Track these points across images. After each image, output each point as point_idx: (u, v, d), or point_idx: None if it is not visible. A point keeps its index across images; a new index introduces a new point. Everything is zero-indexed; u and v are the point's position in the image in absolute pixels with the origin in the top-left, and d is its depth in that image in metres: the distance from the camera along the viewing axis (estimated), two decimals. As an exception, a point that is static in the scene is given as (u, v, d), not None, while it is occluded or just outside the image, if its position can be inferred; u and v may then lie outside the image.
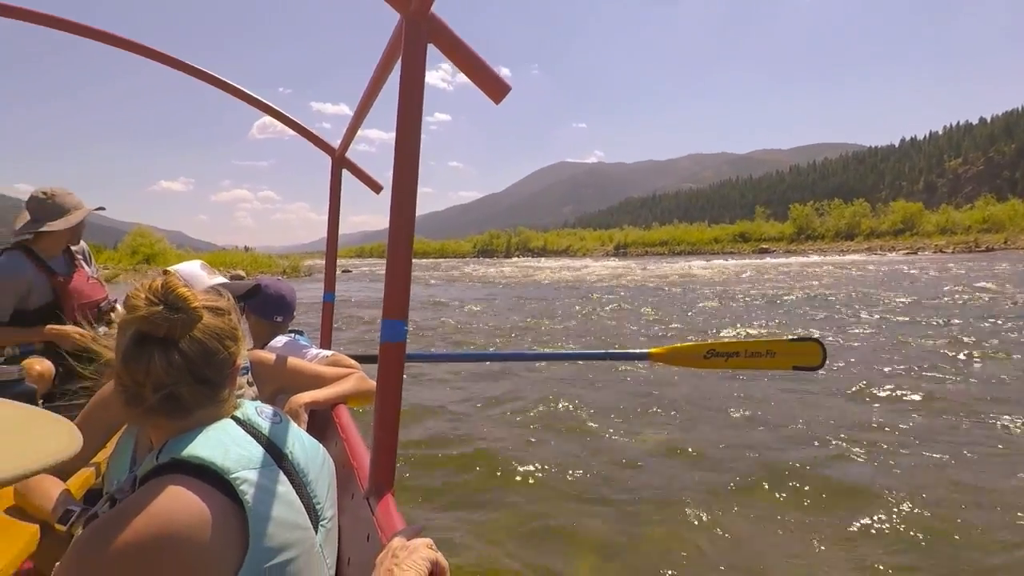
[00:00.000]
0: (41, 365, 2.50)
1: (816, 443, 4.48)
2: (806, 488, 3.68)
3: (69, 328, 2.69)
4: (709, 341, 2.84)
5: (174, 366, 0.90)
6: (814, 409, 5.35)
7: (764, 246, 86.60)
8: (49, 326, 2.69)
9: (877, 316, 11.80)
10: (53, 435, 0.54)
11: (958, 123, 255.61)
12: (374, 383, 2.19)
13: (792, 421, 5.01)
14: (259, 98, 2.62)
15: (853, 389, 5.96)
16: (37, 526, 1.29)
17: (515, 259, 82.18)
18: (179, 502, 0.79)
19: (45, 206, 2.74)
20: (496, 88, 1.22)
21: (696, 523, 3.29)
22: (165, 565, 0.76)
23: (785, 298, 16.13)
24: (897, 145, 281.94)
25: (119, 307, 2.51)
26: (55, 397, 2.44)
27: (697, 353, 2.78)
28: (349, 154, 2.80)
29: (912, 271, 27.26)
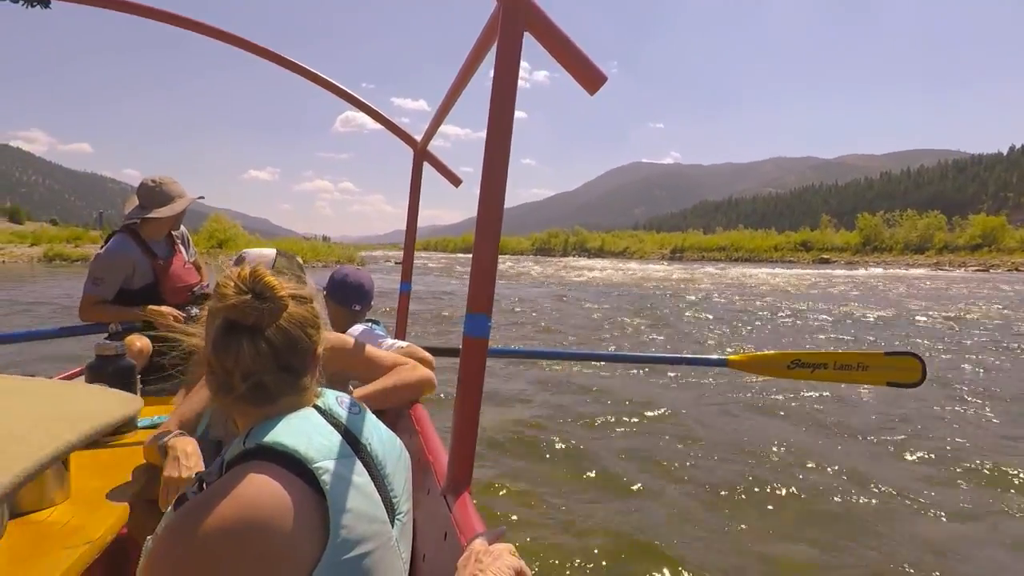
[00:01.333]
0: (141, 342, 2.66)
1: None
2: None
3: (165, 309, 2.87)
4: (793, 351, 2.68)
5: (261, 354, 0.91)
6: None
7: (825, 256, 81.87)
8: (149, 306, 2.87)
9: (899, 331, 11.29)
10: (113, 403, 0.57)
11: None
12: (424, 372, 2.17)
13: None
14: (347, 90, 2.67)
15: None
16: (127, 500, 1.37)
17: (568, 258, 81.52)
18: (264, 489, 0.79)
19: (153, 193, 2.94)
20: (592, 78, 1.17)
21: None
22: (249, 551, 0.77)
23: (803, 311, 15.17)
24: (1005, 153, 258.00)
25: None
26: (152, 372, 2.60)
27: (780, 362, 2.66)
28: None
29: (969, 289, 25.24)
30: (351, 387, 2.16)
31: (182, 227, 3.23)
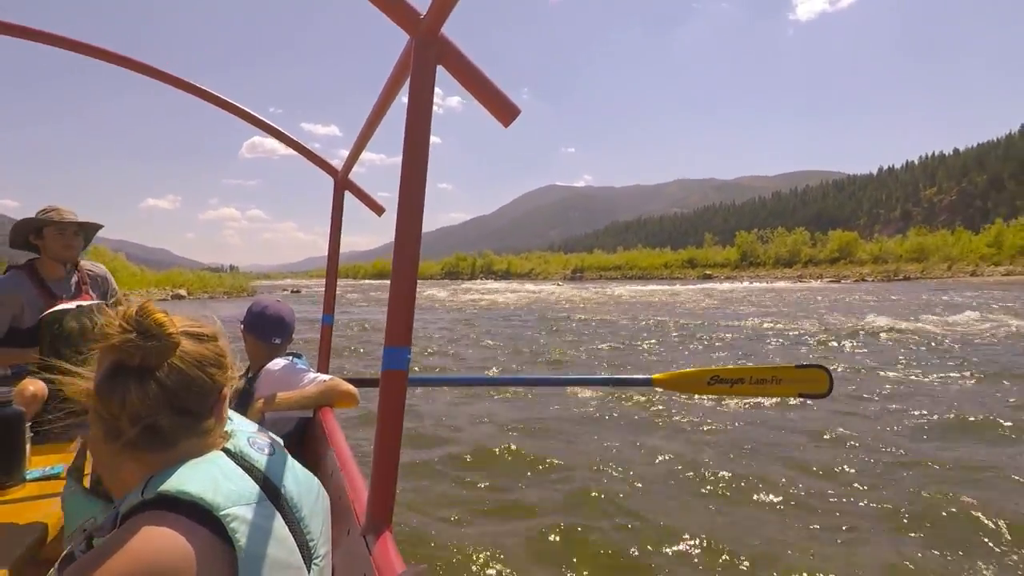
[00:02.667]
0: (35, 386, 2.40)
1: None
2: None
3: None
4: (713, 367, 2.81)
5: (151, 397, 0.86)
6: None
7: (708, 272, 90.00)
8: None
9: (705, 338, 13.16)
10: None
11: (933, 153, 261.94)
12: (349, 387, 2.24)
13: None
14: (262, 118, 2.58)
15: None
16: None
17: (475, 281, 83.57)
18: (164, 543, 0.74)
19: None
20: (506, 111, 1.20)
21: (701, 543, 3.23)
22: None
23: (685, 324, 16.57)
24: (875, 174, 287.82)
25: None
26: (45, 419, 2.35)
27: (700, 379, 2.75)
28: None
29: (811, 296, 29.12)
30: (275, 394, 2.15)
31: (99, 266, 2.99)
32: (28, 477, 1.83)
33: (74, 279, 2.86)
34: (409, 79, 1.19)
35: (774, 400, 6.18)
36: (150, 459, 0.87)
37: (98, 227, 2.84)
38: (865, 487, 4.10)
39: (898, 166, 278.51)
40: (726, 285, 51.44)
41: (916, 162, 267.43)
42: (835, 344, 11.74)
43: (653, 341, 12.76)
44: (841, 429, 5.47)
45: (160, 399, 0.86)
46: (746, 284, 54.27)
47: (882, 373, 8.42)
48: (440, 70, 1.20)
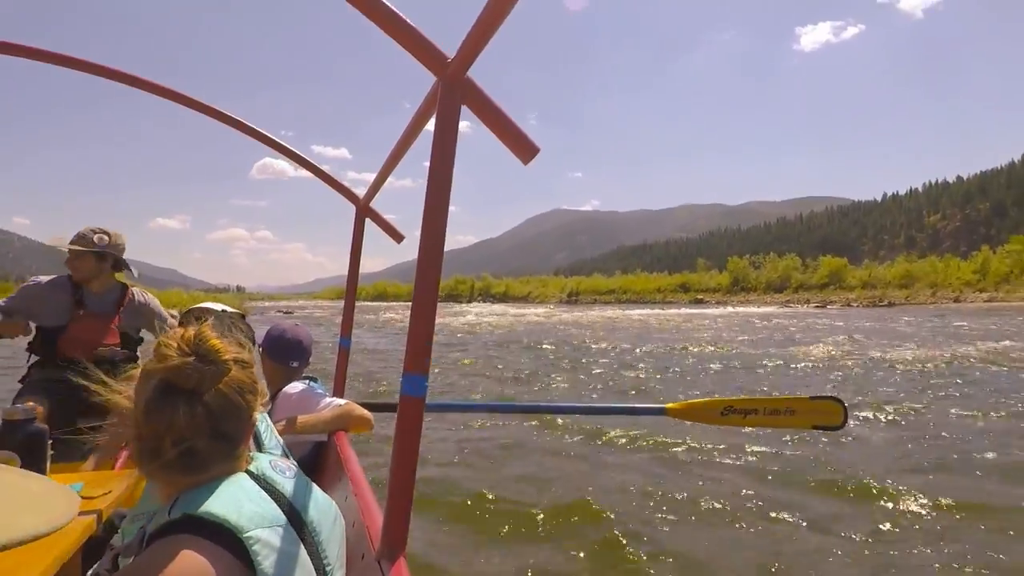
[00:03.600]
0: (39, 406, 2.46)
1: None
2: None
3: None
4: (727, 397, 2.82)
5: (196, 419, 0.88)
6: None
7: (700, 296, 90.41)
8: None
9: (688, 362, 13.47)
10: (56, 502, 0.56)
11: (937, 180, 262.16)
12: (364, 412, 2.26)
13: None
14: (283, 143, 2.62)
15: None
16: None
17: (471, 304, 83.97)
18: (188, 566, 0.76)
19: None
20: (526, 149, 1.24)
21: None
22: None
23: (674, 349, 16.74)
24: (880, 200, 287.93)
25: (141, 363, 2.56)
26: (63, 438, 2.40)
27: (714, 409, 2.76)
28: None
29: (805, 323, 29.37)
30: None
31: (149, 296, 3.17)
32: None
33: (113, 299, 3.03)
34: (435, 117, 1.24)
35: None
36: (182, 481, 0.89)
37: (91, 251, 2.92)
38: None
39: (902, 192, 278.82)
40: (713, 310, 52.32)
41: (920, 189, 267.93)
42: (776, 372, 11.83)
43: (605, 360, 13.27)
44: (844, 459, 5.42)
45: (204, 423, 0.89)
46: (731, 309, 55.09)
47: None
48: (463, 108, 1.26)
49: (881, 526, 3.88)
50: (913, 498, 4.35)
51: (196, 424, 0.88)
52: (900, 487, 4.55)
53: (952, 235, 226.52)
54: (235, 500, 0.85)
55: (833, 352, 15.12)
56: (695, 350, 16.23)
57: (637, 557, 3.51)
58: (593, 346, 17.04)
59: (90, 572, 0.87)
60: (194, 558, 0.76)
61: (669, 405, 2.82)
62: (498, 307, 67.73)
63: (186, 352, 0.89)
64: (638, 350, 16.14)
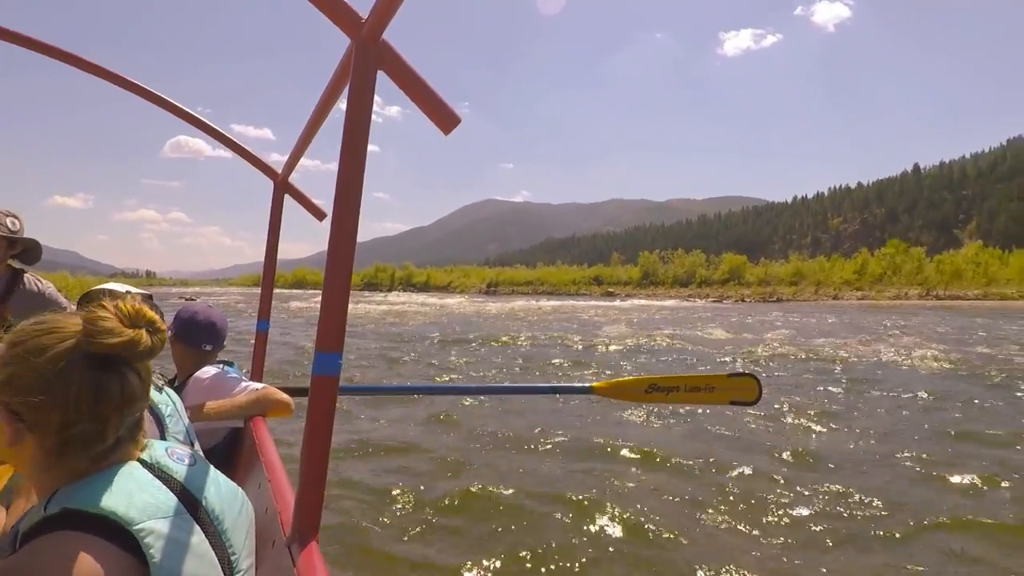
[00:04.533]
0: None
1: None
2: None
3: None
4: (651, 375, 2.89)
5: (124, 392, 0.83)
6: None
7: (611, 289, 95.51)
8: None
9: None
10: None
11: (840, 186, 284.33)
12: (283, 396, 2.19)
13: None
14: (197, 115, 2.45)
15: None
16: None
17: (393, 293, 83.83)
18: (70, 564, 0.68)
19: None
20: (446, 119, 1.22)
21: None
22: None
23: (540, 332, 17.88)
24: (790, 202, 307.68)
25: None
26: None
27: (639, 387, 2.81)
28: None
29: (682, 315, 31.82)
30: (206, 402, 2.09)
31: (45, 283, 2.81)
32: None
33: (2, 285, 2.70)
34: (349, 83, 1.19)
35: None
36: (61, 470, 0.81)
37: (4, 237, 2.64)
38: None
39: (811, 196, 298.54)
40: (620, 302, 55.01)
41: (826, 192, 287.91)
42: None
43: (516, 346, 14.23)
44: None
45: (119, 400, 0.83)
46: (637, 302, 58.04)
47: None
48: (381, 77, 1.21)
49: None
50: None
51: (126, 399, 0.84)
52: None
53: (852, 237, 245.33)
54: (124, 491, 0.79)
55: (715, 338, 17.02)
56: (596, 337, 17.28)
57: (548, 536, 3.59)
58: (501, 334, 17.50)
59: None
60: (79, 555, 0.69)
61: (595, 384, 2.84)
62: (419, 296, 67.41)
63: (131, 324, 0.84)
64: (542, 335, 17.08)
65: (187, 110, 2.44)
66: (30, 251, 2.80)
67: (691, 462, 4.98)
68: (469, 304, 42.33)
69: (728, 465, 4.89)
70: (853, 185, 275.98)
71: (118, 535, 0.74)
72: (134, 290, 2.03)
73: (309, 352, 11.94)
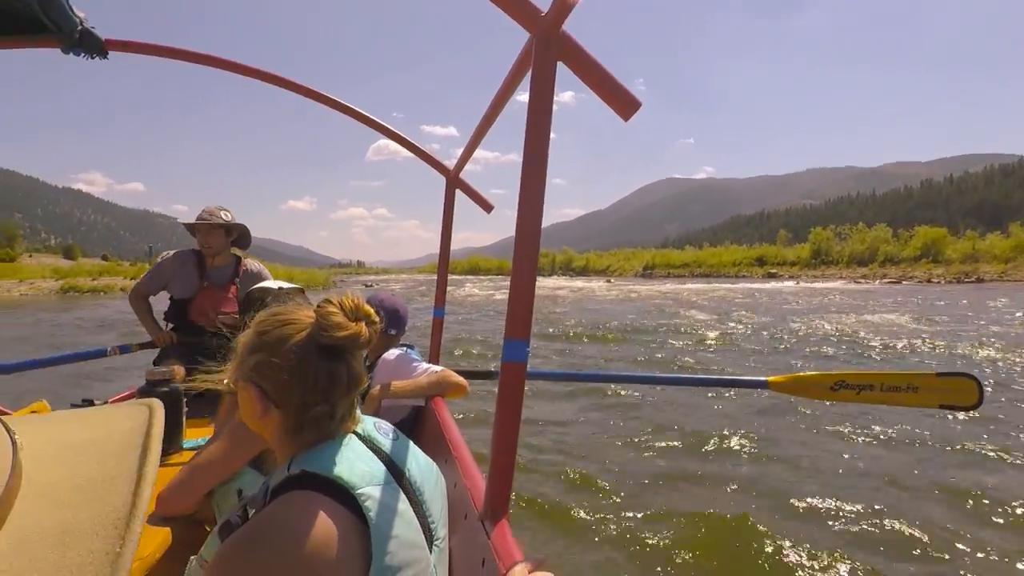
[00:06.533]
0: (180, 371, 2.77)
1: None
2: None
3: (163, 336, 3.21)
4: (838, 371, 2.61)
5: (352, 378, 0.95)
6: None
7: (773, 271, 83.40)
8: (161, 334, 3.21)
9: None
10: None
11: None
12: (460, 379, 2.32)
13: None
14: (380, 121, 2.73)
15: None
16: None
17: (552, 278, 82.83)
18: (312, 519, 0.80)
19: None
20: (626, 105, 1.18)
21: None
22: None
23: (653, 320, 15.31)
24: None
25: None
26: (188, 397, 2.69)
27: (823, 384, 2.60)
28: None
29: (832, 300, 25.77)
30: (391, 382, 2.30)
31: (258, 264, 3.43)
32: (184, 446, 2.09)
33: (230, 271, 3.31)
34: (530, 76, 1.20)
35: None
36: (299, 439, 0.94)
37: (222, 225, 3.21)
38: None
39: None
40: (772, 284, 48.05)
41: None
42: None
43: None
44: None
45: (345, 383, 0.95)
46: (794, 284, 49.87)
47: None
48: (559, 67, 1.21)
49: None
50: None
51: (349, 383, 0.95)
52: None
53: None
54: (347, 459, 0.89)
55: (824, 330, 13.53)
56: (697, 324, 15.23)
57: (720, 522, 3.38)
58: (601, 321, 16.31)
59: (221, 520, 0.94)
60: (318, 512, 0.81)
61: (772, 378, 2.68)
62: (566, 281, 64.56)
63: (358, 317, 0.96)
64: (647, 322, 15.61)
65: (371, 117, 2.71)
66: (243, 237, 3.36)
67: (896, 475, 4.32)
68: (604, 289, 39.96)
69: (947, 482, 4.18)
70: None
71: (344, 497, 0.84)
72: (286, 285, 2.28)
73: (479, 336, 12.85)
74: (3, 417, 0.49)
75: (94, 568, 0.42)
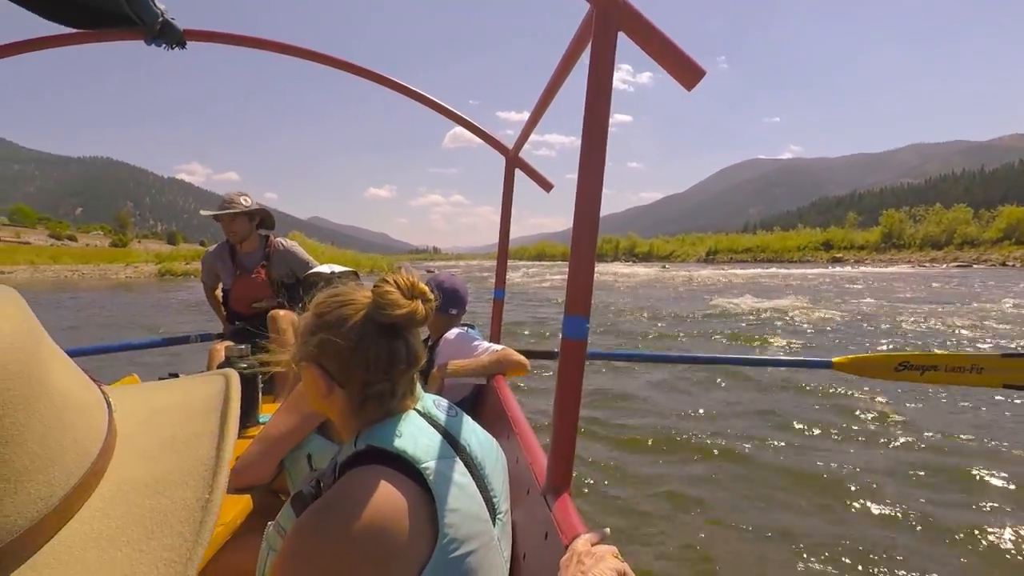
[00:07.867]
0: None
1: None
2: None
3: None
4: (902, 352, 2.59)
5: (409, 354, 0.97)
6: None
7: (838, 256, 76.69)
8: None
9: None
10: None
11: None
12: (520, 357, 2.33)
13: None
14: (444, 104, 2.74)
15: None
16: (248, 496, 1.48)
17: (615, 264, 79.94)
18: (382, 492, 0.83)
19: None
20: (689, 73, 1.13)
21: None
22: (373, 552, 0.80)
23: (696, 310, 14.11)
24: None
25: (282, 311, 3.00)
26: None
27: (887, 365, 2.60)
28: (524, 154, 2.83)
29: (890, 285, 23.32)
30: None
31: (289, 242, 3.45)
32: (260, 421, 2.19)
33: (259, 255, 3.40)
34: (589, 48, 1.18)
35: None
36: (362, 416, 0.96)
37: (243, 211, 3.29)
38: None
39: None
40: (833, 269, 44.34)
41: None
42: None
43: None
44: None
45: (405, 360, 0.97)
46: (855, 270, 45.50)
47: None
48: (621, 40, 1.18)
49: None
50: None
51: (407, 360, 0.96)
52: None
53: None
54: (411, 434, 0.92)
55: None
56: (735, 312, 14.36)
57: (819, 513, 3.22)
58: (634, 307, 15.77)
59: (293, 492, 0.98)
60: (387, 485, 0.84)
61: (836, 359, 2.70)
62: (626, 268, 61.71)
63: (414, 295, 0.97)
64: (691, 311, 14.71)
65: (439, 102, 2.71)
66: (266, 219, 3.44)
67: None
68: (652, 275, 38.49)
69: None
70: None
71: (410, 471, 0.87)
72: (338, 268, 2.31)
73: (538, 316, 12.83)
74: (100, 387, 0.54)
75: (186, 513, 0.46)
